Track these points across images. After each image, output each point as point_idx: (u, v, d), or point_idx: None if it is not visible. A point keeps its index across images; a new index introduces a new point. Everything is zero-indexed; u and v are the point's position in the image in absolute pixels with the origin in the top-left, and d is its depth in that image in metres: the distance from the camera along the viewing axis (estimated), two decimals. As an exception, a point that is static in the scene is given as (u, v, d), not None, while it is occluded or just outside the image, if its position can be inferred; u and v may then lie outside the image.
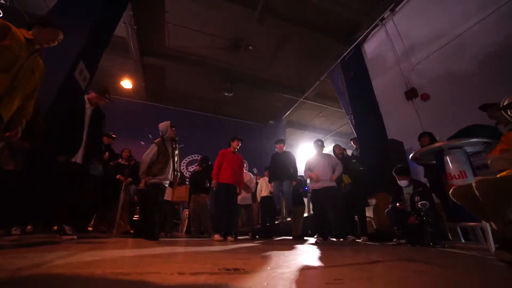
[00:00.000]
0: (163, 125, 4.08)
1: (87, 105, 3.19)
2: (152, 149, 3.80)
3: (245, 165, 6.21)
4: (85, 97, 3.27)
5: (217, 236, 3.94)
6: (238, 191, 4.54)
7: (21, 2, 5.92)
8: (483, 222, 2.27)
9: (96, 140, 3.31)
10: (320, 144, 4.77)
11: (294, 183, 4.90)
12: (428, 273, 1.28)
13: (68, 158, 2.94)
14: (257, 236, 5.61)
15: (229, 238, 4.08)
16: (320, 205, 4.42)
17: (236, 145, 4.64)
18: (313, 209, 4.84)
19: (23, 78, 1.88)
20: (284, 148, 5.31)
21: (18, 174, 2.56)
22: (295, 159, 5.23)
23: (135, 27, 6.74)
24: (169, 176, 3.87)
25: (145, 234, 3.50)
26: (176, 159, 4.05)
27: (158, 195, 3.76)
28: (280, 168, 4.97)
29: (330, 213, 4.29)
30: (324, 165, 4.49)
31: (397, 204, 3.73)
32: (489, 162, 2.07)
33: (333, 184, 4.41)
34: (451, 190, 2.11)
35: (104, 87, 3.40)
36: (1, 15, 4.16)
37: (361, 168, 5.21)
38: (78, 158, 2.99)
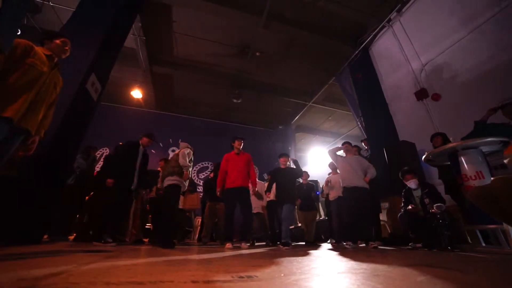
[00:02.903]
0: (186, 145, 4.35)
1: (141, 148, 4.32)
2: (189, 150, 4.14)
3: (256, 172, 6.12)
4: (140, 142, 4.35)
5: (228, 245, 3.81)
6: (251, 190, 4.40)
7: (36, 19, 6.16)
8: (505, 224, 2.19)
9: (145, 173, 4.38)
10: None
11: (299, 201, 4.73)
12: (447, 279, 1.24)
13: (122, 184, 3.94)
14: (278, 243, 5.45)
15: (243, 244, 3.93)
16: (352, 206, 4.19)
17: (238, 145, 4.53)
18: (345, 208, 4.58)
19: (45, 93, 2.00)
20: (289, 163, 4.97)
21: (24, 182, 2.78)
22: (297, 174, 4.90)
23: (144, 38, 6.89)
24: (186, 182, 4.10)
25: (162, 242, 3.55)
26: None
27: (177, 197, 3.99)
28: (280, 187, 4.65)
29: (358, 215, 4.17)
30: (354, 167, 4.36)
31: (409, 207, 3.65)
32: (506, 161, 2.00)
33: (366, 185, 4.24)
34: (468, 192, 2.04)
35: (151, 133, 4.50)
36: (19, 33, 4.32)
37: None
38: (134, 185, 4.05)
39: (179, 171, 3.94)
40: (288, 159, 4.95)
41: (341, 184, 4.44)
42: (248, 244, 4.01)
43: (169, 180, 3.88)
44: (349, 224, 4.24)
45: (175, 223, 3.88)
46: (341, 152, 4.71)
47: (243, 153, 4.55)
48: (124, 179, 3.94)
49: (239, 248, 3.76)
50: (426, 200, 3.49)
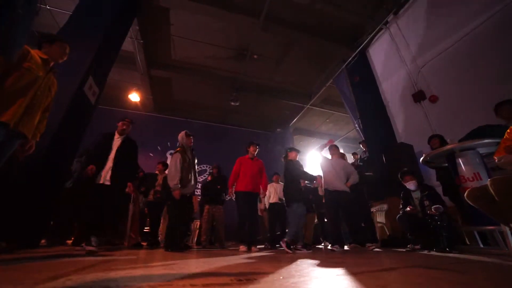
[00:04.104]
0: (180, 135, 4.14)
1: (116, 136, 3.72)
2: (177, 157, 3.88)
3: None
4: (115, 131, 3.78)
5: (242, 247, 3.83)
6: (261, 195, 4.40)
7: (34, 22, 6.16)
8: (502, 225, 2.20)
9: (127, 166, 3.72)
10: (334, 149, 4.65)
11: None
12: (446, 280, 1.24)
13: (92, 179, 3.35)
14: (277, 245, 5.42)
15: (253, 248, 3.89)
16: (335, 209, 4.21)
17: (253, 150, 4.52)
18: (327, 213, 4.59)
19: (41, 96, 2.00)
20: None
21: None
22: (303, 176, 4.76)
23: (142, 41, 6.89)
24: (193, 186, 4.02)
25: (170, 246, 3.64)
26: (197, 168, 4.25)
27: (185, 206, 3.92)
28: (297, 182, 4.42)
29: (346, 218, 4.20)
30: (337, 171, 4.34)
31: (407, 209, 3.66)
32: (499, 163, 2.01)
33: (347, 189, 4.25)
34: (466, 193, 2.05)
35: (123, 116, 3.98)
36: None
37: (368, 173, 5.15)
38: (105, 180, 3.36)
39: (184, 181, 3.93)
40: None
41: (324, 186, 4.44)
42: (257, 248, 4.01)
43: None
44: (332, 227, 4.23)
45: (172, 229, 3.89)
46: (327, 154, 4.73)
47: (257, 159, 4.55)
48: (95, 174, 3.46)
49: (251, 251, 3.74)
50: (426, 202, 3.50)
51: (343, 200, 4.17)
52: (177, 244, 3.68)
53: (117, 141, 3.70)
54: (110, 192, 3.40)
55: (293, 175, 4.21)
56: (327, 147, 4.78)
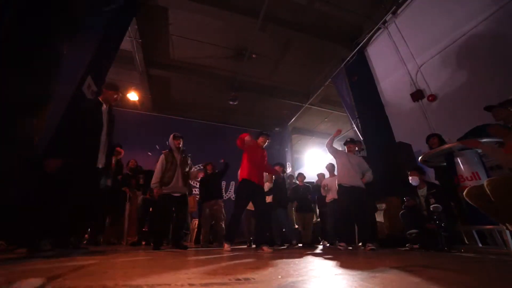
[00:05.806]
0: (169, 138, 4.25)
1: (104, 107, 3.09)
2: (161, 158, 4.02)
3: None
4: (99, 98, 3.13)
5: (226, 246, 3.48)
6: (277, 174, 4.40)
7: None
8: (500, 224, 2.21)
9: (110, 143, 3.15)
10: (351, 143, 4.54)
11: (296, 203, 5.01)
12: (445, 280, 1.24)
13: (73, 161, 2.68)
14: (280, 243, 5.42)
15: (265, 248, 3.39)
16: (348, 206, 4.01)
17: (262, 142, 4.08)
18: (340, 208, 4.36)
19: None
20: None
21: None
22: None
23: (140, 40, 6.87)
24: (180, 186, 3.98)
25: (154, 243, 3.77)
26: (187, 169, 4.18)
27: (166, 206, 3.93)
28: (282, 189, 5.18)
29: (357, 216, 4.02)
30: (353, 166, 4.17)
31: (405, 201, 3.68)
32: (481, 146, 2.03)
33: (362, 185, 4.09)
34: (464, 191, 2.06)
35: (112, 82, 3.35)
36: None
37: None
38: (100, 162, 2.85)
39: (166, 181, 3.96)
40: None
41: (337, 181, 4.25)
42: (271, 249, 3.54)
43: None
44: (343, 224, 4.12)
45: (164, 227, 4.06)
46: (337, 146, 4.71)
47: (263, 149, 4.15)
48: (87, 156, 2.74)
49: (237, 250, 3.74)
50: (431, 201, 3.51)
51: (358, 197, 3.98)
52: (160, 243, 3.83)
53: (105, 112, 3.05)
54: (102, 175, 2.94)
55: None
56: (336, 138, 4.51)
